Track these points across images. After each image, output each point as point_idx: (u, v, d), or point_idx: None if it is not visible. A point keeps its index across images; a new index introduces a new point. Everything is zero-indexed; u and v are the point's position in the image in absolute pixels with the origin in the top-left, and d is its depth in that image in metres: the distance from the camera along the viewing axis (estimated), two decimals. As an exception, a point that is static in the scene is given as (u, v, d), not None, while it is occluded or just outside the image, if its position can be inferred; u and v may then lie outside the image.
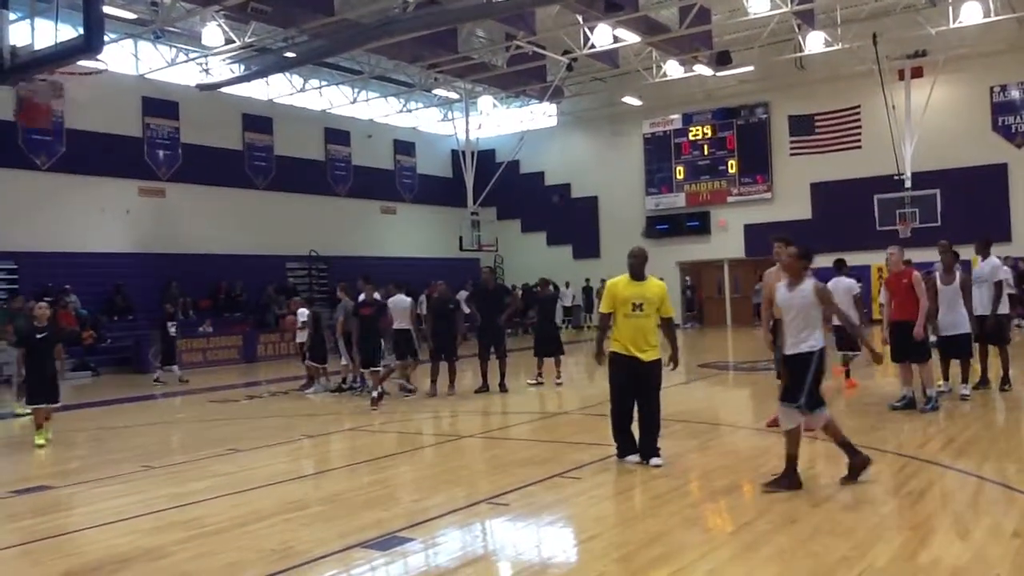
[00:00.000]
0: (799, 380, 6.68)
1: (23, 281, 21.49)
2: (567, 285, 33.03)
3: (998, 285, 11.34)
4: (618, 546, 5.41)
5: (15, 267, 21.60)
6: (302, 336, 15.45)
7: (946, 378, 11.14)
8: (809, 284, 6.81)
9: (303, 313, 15.60)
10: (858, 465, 6.72)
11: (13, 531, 6.47)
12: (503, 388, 14.08)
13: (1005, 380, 11.40)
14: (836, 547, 5.18)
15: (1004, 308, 11.57)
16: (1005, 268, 12.20)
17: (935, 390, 10.35)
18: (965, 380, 10.97)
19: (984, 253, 11.79)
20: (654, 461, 7.65)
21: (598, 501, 6.70)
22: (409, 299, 14.07)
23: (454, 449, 9.45)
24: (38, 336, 10.20)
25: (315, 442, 10.42)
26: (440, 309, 14.40)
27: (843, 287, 11.47)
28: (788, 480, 6.64)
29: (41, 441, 10.10)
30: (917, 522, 5.75)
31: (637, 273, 7.81)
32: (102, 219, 23.48)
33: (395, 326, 13.84)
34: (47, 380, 10.13)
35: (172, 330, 18.18)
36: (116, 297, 22.80)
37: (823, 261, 26.36)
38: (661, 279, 8.37)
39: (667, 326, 7.98)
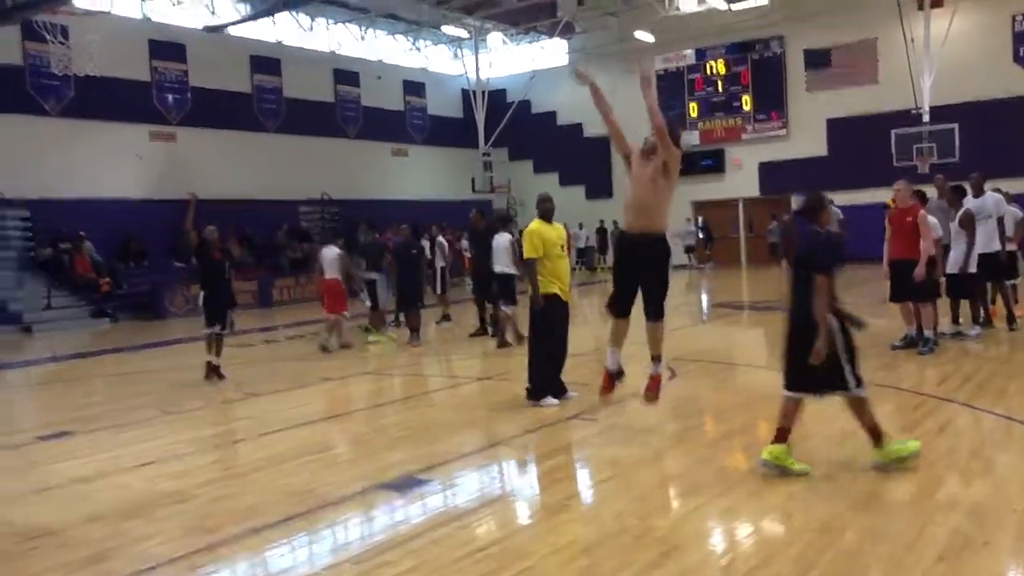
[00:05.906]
0: None
1: (36, 228, 21.56)
2: (580, 226, 32.91)
3: (1000, 221, 10.79)
4: (635, 486, 5.44)
5: (28, 215, 21.63)
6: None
7: (955, 319, 10.76)
8: None
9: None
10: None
11: (37, 476, 6.56)
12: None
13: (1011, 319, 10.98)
14: (854, 484, 5.19)
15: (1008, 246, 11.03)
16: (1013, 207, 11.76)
17: (932, 332, 9.82)
18: (975, 319, 10.78)
19: (979, 191, 10.97)
20: (571, 394, 8.08)
21: (614, 442, 6.73)
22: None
23: (468, 392, 9.49)
24: None
25: (333, 385, 10.48)
26: (403, 254, 13.72)
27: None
28: None
29: None
30: (934, 459, 5.73)
31: (551, 217, 8.23)
32: (114, 165, 23.43)
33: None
34: None
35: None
36: (131, 243, 22.83)
37: (840, 199, 26.19)
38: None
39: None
